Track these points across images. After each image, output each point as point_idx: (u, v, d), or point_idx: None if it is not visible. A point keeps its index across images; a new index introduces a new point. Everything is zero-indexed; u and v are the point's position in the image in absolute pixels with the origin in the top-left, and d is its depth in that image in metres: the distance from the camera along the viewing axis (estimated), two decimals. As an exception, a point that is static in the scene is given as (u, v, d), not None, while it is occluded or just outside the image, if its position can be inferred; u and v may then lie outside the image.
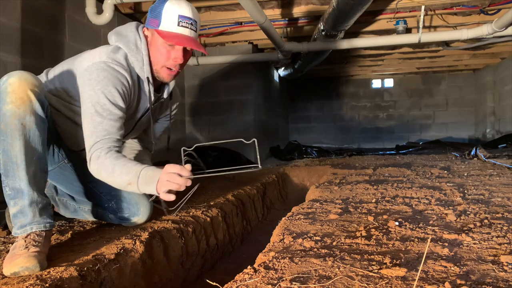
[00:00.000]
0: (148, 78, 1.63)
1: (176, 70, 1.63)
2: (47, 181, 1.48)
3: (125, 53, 1.59)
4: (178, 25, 1.52)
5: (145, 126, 1.90)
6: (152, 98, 1.69)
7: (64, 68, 1.62)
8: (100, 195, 1.75)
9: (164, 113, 1.92)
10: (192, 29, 1.55)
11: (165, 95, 1.79)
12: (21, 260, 1.16)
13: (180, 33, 1.53)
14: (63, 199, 1.87)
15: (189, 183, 1.45)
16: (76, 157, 1.72)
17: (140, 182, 1.46)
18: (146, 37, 1.63)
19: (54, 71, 1.67)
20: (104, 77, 1.50)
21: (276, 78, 7.04)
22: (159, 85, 1.76)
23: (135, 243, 1.50)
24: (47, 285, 1.09)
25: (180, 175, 1.43)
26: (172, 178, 1.43)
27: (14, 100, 1.24)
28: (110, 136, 1.51)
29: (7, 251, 1.42)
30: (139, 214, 1.74)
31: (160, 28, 1.54)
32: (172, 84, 1.78)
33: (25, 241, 1.25)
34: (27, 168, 1.26)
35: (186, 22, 1.53)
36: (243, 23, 4.45)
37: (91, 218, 1.86)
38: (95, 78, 1.50)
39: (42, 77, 1.68)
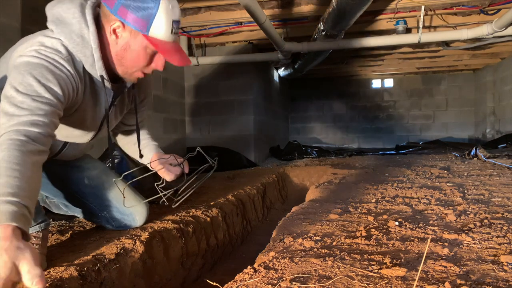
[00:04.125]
0: (102, 76, 1.33)
1: (143, 74, 1.40)
2: None
3: (65, 46, 1.26)
4: (172, 33, 1.29)
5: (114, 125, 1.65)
6: (110, 97, 1.45)
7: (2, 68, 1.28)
8: (90, 205, 1.68)
9: (136, 102, 1.60)
10: (177, 34, 1.33)
11: (127, 85, 1.51)
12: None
13: (172, 41, 1.31)
14: (53, 201, 1.81)
15: None
16: (54, 164, 1.55)
17: None
18: (107, 33, 1.30)
19: None
20: (36, 63, 1.17)
21: (276, 78, 7.04)
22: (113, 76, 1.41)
23: (135, 243, 1.50)
24: (47, 285, 1.09)
25: None
26: None
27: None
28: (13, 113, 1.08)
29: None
30: (135, 223, 1.70)
31: (150, 34, 1.26)
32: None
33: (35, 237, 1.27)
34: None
35: (177, 27, 1.31)
36: (243, 23, 4.45)
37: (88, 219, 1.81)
38: (23, 63, 1.16)
39: None
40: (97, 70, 1.32)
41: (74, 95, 1.29)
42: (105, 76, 1.34)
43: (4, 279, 0.78)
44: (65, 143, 1.52)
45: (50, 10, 1.29)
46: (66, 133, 1.45)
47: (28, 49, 1.20)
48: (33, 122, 1.08)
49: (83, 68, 1.32)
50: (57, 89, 1.18)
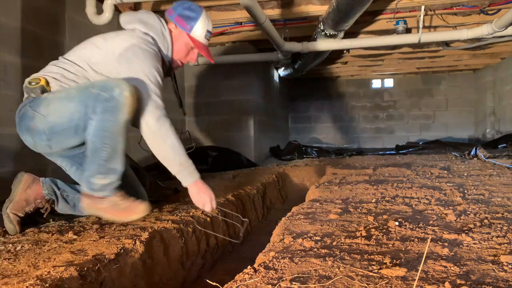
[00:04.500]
0: (169, 61, 2.01)
1: (182, 64, 2.06)
2: None
3: (153, 38, 1.89)
4: (205, 37, 1.97)
5: None
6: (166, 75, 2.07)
7: (96, 58, 1.81)
8: None
9: None
10: (209, 39, 2.00)
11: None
12: (139, 211, 1.79)
13: (205, 44, 1.99)
14: (65, 192, 1.88)
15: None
16: None
17: (187, 172, 1.84)
18: (170, 30, 1.96)
19: (83, 60, 1.84)
20: (149, 55, 1.79)
21: (276, 78, 7.04)
22: None
23: (135, 243, 1.50)
24: (47, 285, 1.09)
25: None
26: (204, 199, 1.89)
27: (129, 112, 1.66)
28: (162, 104, 1.79)
29: (7, 251, 1.45)
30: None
31: (191, 34, 1.95)
32: None
33: (120, 198, 1.77)
34: (122, 156, 1.75)
35: (209, 35, 1.99)
36: (243, 23, 4.45)
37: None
38: (142, 55, 1.77)
39: (64, 65, 1.82)
40: (169, 56, 1.98)
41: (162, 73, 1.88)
42: (170, 61, 2.00)
43: (214, 201, 1.85)
44: None
45: (134, 16, 1.96)
46: None
47: (136, 40, 1.80)
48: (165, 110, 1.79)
49: (162, 55, 1.94)
50: (162, 75, 1.82)
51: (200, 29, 1.95)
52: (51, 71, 1.81)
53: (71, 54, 1.88)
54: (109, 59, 1.78)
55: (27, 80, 1.77)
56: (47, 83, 1.74)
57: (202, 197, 1.86)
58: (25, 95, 1.79)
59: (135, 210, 1.77)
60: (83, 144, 1.77)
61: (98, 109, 1.62)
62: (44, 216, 1.85)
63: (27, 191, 1.78)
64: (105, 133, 1.65)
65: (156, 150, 1.79)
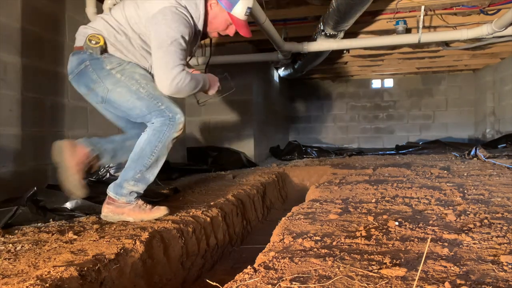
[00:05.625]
0: (199, 30, 2.07)
1: (218, 36, 2.18)
2: None
3: (185, 6, 1.95)
4: (245, 14, 2.05)
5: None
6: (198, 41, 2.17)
7: (134, 17, 1.94)
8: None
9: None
10: (249, 14, 2.08)
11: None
12: (162, 210, 1.96)
13: (244, 20, 2.07)
14: (101, 144, 2.05)
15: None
16: None
17: (201, 86, 2.04)
18: (210, 4, 2.04)
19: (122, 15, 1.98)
20: (178, 19, 1.87)
21: (276, 78, 7.04)
22: None
23: (135, 243, 1.50)
24: (47, 285, 1.09)
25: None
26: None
27: (180, 133, 1.94)
28: (183, 62, 1.92)
29: (7, 251, 1.45)
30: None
31: (232, 12, 2.04)
32: None
33: (142, 202, 1.94)
34: (158, 170, 1.96)
35: (249, 11, 2.06)
36: (243, 23, 4.44)
37: (126, 155, 2.02)
38: (171, 18, 1.86)
39: (109, 21, 1.97)
40: (199, 26, 2.04)
41: (190, 37, 1.98)
42: (201, 29, 2.08)
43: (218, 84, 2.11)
44: None
45: None
46: None
47: (168, 2, 1.88)
48: (183, 63, 1.93)
49: (193, 22, 2.01)
50: (187, 38, 1.92)
51: (240, 8, 2.04)
52: (105, 29, 1.96)
53: (117, 11, 1.99)
54: (144, 19, 1.91)
55: (88, 36, 1.91)
56: (105, 43, 1.94)
57: (212, 80, 2.14)
58: (84, 49, 1.94)
59: (159, 210, 1.96)
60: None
61: (160, 120, 1.90)
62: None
63: (74, 154, 1.90)
64: (158, 143, 1.90)
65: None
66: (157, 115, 1.90)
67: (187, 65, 2.22)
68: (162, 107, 1.91)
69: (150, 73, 2.03)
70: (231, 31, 2.14)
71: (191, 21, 1.96)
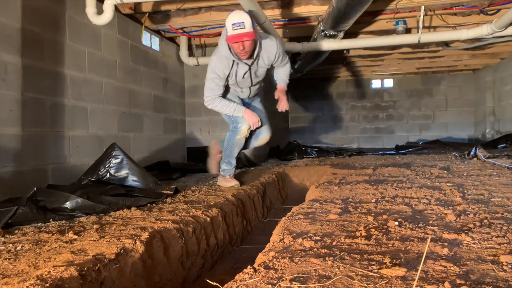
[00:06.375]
0: (233, 60, 2.77)
1: (245, 52, 2.64)
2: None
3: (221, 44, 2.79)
4: (233, 30, 2.51)
5: (260, 79, 3.11)
6: (243, 67, 2.84)
7: None
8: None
9: (267, 66, 2.95)
10: (241, 27, 2.49)
11: (254, 56, 2.80)
12: (234, 181, 3.11)
13: (234, 34, 2.52)
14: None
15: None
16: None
17: (237, 112, 2.93)
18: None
19: None
20: (212, 59, 2.83)
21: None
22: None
23: (135, 243, 1.50)
24: (47, 285, 1.09)
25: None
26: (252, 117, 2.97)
27: (242, 136, 3.01)
28: (209, 91, 2.87)
29: (7, 251, 1.46)
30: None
31: (228, 34, 2.55)
32: (260, 50, 2.78)
33: (228, 176, 3.13)
34: (235, 156, 3.14)
35: (237, 26, 2.49)
36: (243, 23, 4.44)
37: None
38: (211, 60, 2.85)
39: None
40: (234, 58, 2.75)
41: (229, 71, 2.82)
42: (236, 60, 2.77)
43: (258, 119, 2.99)
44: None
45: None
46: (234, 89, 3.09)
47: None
48: (217, 94, 2.91)
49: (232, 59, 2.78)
50: (216, 70, 2.81)
51: (228, 28, 2.54)
52: None
53: None
54: None
55: None
56: None
57: (252, 118, 2.94)
58: None
59: (232, 181, 3.10)
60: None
61: (232, 127, 3.03)
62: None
63: (216, 154, 3.31)
64: (229, 142, 3.08)
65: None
66: (232, 123, 3.02)
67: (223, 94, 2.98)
68: (233, 119, 2.99)
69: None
70: (236, 51, 2.65)
71: (226, 54, 2.72)
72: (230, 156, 3.09)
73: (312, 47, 4.46)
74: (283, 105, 3.14)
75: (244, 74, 2.86)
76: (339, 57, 6.24)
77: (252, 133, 3.13)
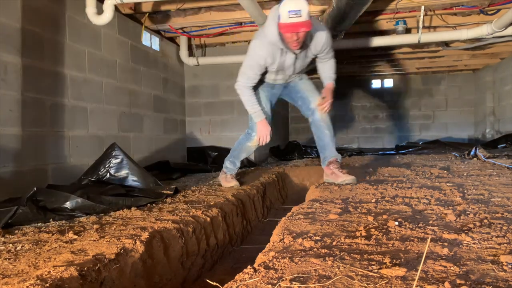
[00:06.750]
0: (282, 49, 2.56)
1: (298, 43, 2.44)
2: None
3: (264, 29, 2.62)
4: (289, 17, 2.28)
5: (302, 68, 2.94)
6: (291, 56, 2.66)
7: None
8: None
9: (313, 56, 2.80)
10: (298, 16, 2.27)
11: (305, 47, 2.63)
12: (234, 182, 3.09)
13: (289, 23, 2.30)
14: None
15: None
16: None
17: (255, 116, 2.90)
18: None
19: None
20: (250, 47, 2.69)
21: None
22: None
23: (135, 243, 1.50)
24: (47, 285, 1.09)
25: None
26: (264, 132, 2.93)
27: (253, 144, 3.03)
28: (243, 78, 2.77)
29: (7, 251, 1.46)
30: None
31: (280, 21, 2.35)
32: (311, 41, 2.61)
33: (229, 176, 3.12)
34: (241, 159, 3.19)
35: (293, 13, 2.26)
36: (243, 23, 4.45)
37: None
38: (249, 47, 2.71)
39: None
40: (279, 43, 2.53)
41: (271, 59, 2.64)
42: (284, 49, 2.57)
43: (268, 134, 2.92)
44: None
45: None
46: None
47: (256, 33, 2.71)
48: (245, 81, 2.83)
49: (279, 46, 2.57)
50: (255, 58, 2.70)
51: (282, 15, 2.31)
52: None
53: None
54: None
55: None
56: None
57: (262, 131, 2.89)
58: None
59: (232, 181, 3.08)
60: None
61: (249, 129, 3.04)
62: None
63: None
64: (239, 144, 3.12)
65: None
66: (249, 128, 3.07)
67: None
68: (250, 125, 3.04)
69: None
70: (288, 41, 2.44)
71: (268, 41, 2.57)
72: (236, 158, 3.11)
73: (312, 47, 4.45)
74: (326, 106, 2.94)
75: (289, 63, 2.68)
76: (339, 57, 6.23)
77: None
